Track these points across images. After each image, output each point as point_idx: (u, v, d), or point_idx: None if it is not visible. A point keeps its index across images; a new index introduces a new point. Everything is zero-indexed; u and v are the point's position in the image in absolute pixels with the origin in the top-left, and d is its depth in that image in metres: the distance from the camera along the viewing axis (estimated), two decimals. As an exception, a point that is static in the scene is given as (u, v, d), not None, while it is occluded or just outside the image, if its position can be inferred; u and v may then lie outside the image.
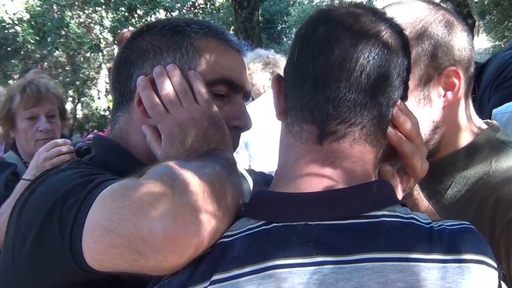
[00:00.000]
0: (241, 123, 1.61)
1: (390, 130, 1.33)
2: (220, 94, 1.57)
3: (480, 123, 1.87)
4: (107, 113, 21.97)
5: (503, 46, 27.71)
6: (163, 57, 1.54)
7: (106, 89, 22.56)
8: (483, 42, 32.87)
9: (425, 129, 1.70)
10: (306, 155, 1.27)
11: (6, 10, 19.56)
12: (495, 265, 1.23)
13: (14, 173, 3.40)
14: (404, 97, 1.36)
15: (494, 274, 1.21)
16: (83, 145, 3.20)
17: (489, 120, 1.94)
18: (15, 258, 1.35)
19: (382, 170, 1.38)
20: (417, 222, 1.22)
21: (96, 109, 24.29)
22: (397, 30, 1.34)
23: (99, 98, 24.92)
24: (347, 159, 1.25)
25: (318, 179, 1.24)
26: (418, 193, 1.59)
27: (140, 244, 1.10)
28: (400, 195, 1.41)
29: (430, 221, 1.24)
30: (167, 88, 1.47)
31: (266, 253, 1.14)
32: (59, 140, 3.12)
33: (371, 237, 1.16)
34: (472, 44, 1.77)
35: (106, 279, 1.26)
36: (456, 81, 1.70)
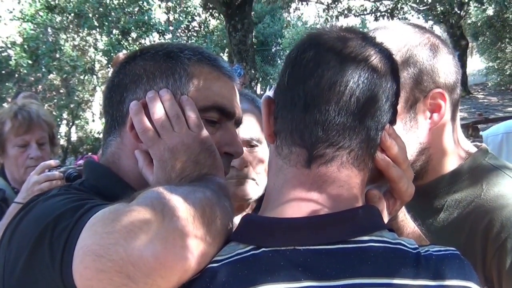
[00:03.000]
0: (232, 150, 1.61)
1: (378, 154, 1.34)
2: (212, 121, 1.57)
3: (469, 147, 1.88)
4: (101, 135, 21.93)
5: (496, 67, 27.94)
6: (156, 82, 1.54)
7: (101, 111, 22.53)
8: (477, 63, 33.04)
9: (411, 151, 1.71)
10: (294, 178, 1.28)
11: (-1, 34, 19.62)
12: None
13: (2, 199, 3.38)
14: (392, 121, 1.37)
15: None
16: (73, 172, 3.21)
17: (478, 143, 1.95)
18: (5, 283, 1.34)
19: (369, 194, 1.38)
20: (404, 248, 1.22)
21: (91, 132, 24.28)
22: (387, 54, 1.35)
23: (93, 120, 24.92)
24: (334, 183, 1.26)
25: (306, 203, 1.25)
26: (404, 215, 1.60)
27: (130, 269, 1.10)
28: (386, 218, 1.41)
29: (417, 246, 1.25)
30: (159, 112, 1.48)
31: (254, 278, 1.14)
32: (50, 161, 3.12)
33: (359, 262, 1.16)
34: (458, 67, 1.78)
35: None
36: (441, 102, 1.71)
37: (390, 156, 1.36)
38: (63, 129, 22.74)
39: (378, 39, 1.39)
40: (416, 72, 1.70)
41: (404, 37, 1.74)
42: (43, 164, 3.09)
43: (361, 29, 1.41)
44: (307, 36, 1.38)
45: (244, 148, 1.99)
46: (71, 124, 23.89)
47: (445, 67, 1.73)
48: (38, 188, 2.96)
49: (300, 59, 1.31)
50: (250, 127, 2.13)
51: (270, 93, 1.46)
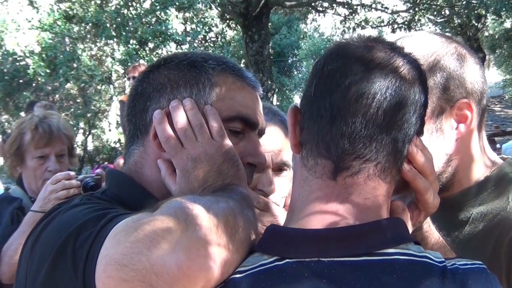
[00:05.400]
0: (255, 160, 1.60)
1: (405, 165, 1.32)
2: (235, 131, 1.56)
3: (495, 157, 1.86)
4: (117, 145, 21.99)
5: (514, 79, 27.81)
6: (180, 91, 1.53)
7: (117, 121, 22.58)
8: (494, 76, 32.92)
9: (438, 162, 1.69)
10: (319, 190, 1.27)
11: (18, 43, 19.73)
12: None
13: (19, 207, 3.39)
14: (420, 133, 1.35)
15: None
16: (90, 181, 3.23)
17: (504, 156, 1.93)
18: None
19: (392, 205, 1.36)
20: (430, 261, 1.20)
21: (107, 141, 24.33)
22: (415, 65, 1.34)
23: (109, 130, 24.98)
24: (360, 195, 1.24)
25: (331, 215, 1.23)
26: (429, 226, 1.58)
27: (153, 278, 1.10)
28: (410, 229, 1.39)
29: (443, 259, 1.23)
30: (183, 122, 1.47)
31: None
32: (63, 173, 3.15)
33: (384, 276, 1.15)
34: (484, 77, 1.77)
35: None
36: (468, 113, 1.70)
37: (417, 168, 1.35)
38: (79, 138, 22.84)
39: (406, 49, 1.38)
40: (443, 81, 1.68)
41: (431, 46, 1.73)
42: (59, 175, 3.10)
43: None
44: (334, 46, 1.36)
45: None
46: (87, 133, 23.99)
47: (472, 76, 1.72)
48: (55, 196, 2.98)
49: (327, 70, 1.30)
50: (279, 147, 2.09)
51: None
